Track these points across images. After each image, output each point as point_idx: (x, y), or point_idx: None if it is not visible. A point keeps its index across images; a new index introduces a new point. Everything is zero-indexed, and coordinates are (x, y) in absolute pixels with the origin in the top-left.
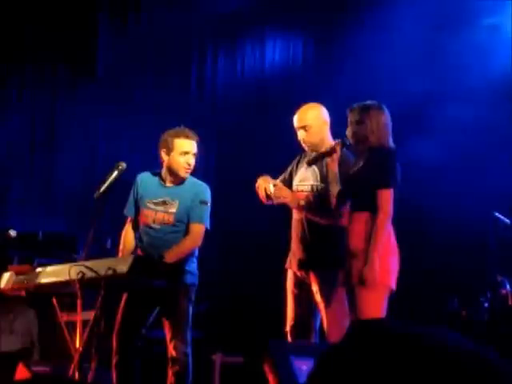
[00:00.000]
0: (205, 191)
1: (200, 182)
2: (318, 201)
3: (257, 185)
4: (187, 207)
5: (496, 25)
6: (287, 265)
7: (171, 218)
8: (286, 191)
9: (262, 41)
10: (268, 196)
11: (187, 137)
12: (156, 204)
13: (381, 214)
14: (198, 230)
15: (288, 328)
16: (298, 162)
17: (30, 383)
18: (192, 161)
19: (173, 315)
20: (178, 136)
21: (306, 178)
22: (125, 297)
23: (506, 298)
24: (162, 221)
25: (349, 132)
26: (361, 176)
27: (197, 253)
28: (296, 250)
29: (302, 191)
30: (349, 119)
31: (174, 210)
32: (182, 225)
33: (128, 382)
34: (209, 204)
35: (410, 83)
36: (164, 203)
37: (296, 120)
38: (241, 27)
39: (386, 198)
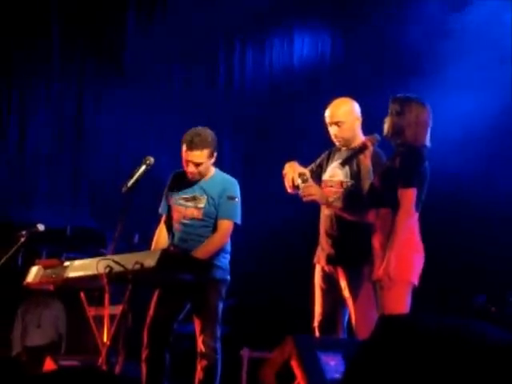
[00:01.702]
0: (233, 186)
1: (228, 177)
2: (346, 197)
3: (284, 172)
4: (215, 202)
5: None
6: (315, 260)
7: (200, 213)
8: (314, 188)
9: (291, 35)
10: (294, 186)
11: (189, 148)
12: (186, 200)
13: (401, 212)
14: (226, 226)
15: (316, 323)
16: (329, 157)
17: (57, 375)
18: (192, 169)
19: (202, 310)
20: (184, 142)
21: (335, 174)
22: (157, 291)
23: None
24: (192, 216)
25: (387, 122)
26: (388, 173)
27: (229, 248)
28: (324, 245)
29: (331, 187)
30: (389, 109)
31: (202, 204)
32: (210, 220)
33: (157, 376)
34: (237, 199)
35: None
36: (194, 199)
37: (328, 115)
38: (269, 22)
39: (408, 197)
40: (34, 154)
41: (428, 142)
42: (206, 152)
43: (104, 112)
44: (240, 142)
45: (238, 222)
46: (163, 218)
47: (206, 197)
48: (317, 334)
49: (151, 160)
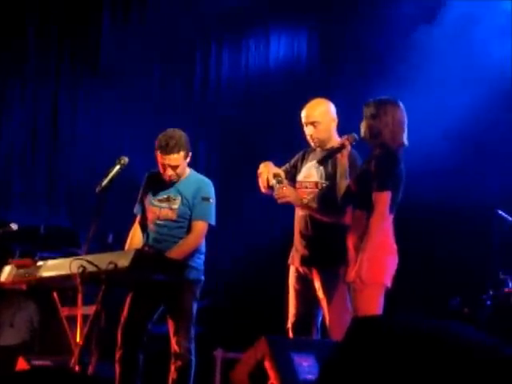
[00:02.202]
0: (207, 187)
1: (202, 178)
2: (321, 198)
3: (259, 171)
4: (189, 203)
5: None
6: (290, 261)
7: (174, 214)
8: (288, 190)
9: (267, 36)
10: (269, 186)
11: (164, 152)
12: (160, 201)
13: (375, 215)
14: (201, 227)
15: (289, 324)
16: (303, 157)
17: (30, 375)
18: (170, 172)
19: (176, 311)
20: (158, 146)
21: (310, 175)
22: (131, 292)
23: (508, 297)
24: (166, 217)
25: (363, 126)
26: (364, 176)
27: (204, 248)
28: (299, 246)
29: (306, 188)
30: (364, 113)
31: (176, 206)
32: (185, 221)
33: (131, 377)
34: (212, 200)
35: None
36: (168, 200)
37: (304, 115)
38: (245, 22)
39: (382, 200)
40: (9, 154)
41: (405, 140)
42: (182, 154)
43: (79, 112)
44: (216, 143)
45: (213, 222)
46: (138, 219)
47: (180, 198)
48: (290, 335)
49: (125, 160)
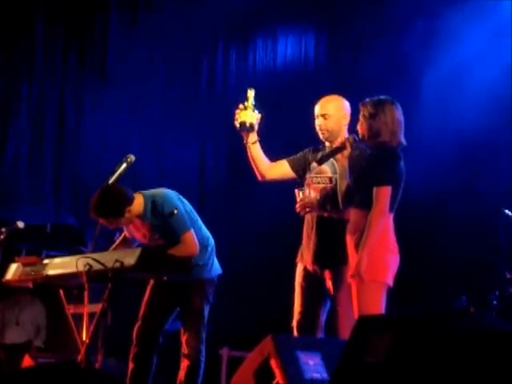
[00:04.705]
0: (163, 204)
1: (154, 196)
2: (335, 193)
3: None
4: (161, 224)
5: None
6: (298, 259)
7: (162, 241)
8: (309, 199)
9: (274, 36)
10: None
11: (100, 218)
12: (149, 241)
13: (374, 211)
14: (187, 239)
15: (294, 323)
16: (313, 153)
17: (37, 371)
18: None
19: (186, 310)
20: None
21: (323, 171)
22: (147, 293)
23: None
24: (159, 243)
25: (361, 126)
26: (365, 172)
27: (212, 243)
28: (308, 245)
29: (319, 183)
30: (361, 113)
31: (157, 236)
32: (172, 237)
33: (143, 376)
34: (176, 210)
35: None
36: (151, 239)
37: (318, 107)
38: (252, 23)
39: (382, 195)
40: (16, 153)
41: (404, 140)
42: (115, 218)
43: (86, 111)
44: (223, 142)
45: (191, 228)
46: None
47: (155, 229)
48: (295, 333)
49: (132, 158)
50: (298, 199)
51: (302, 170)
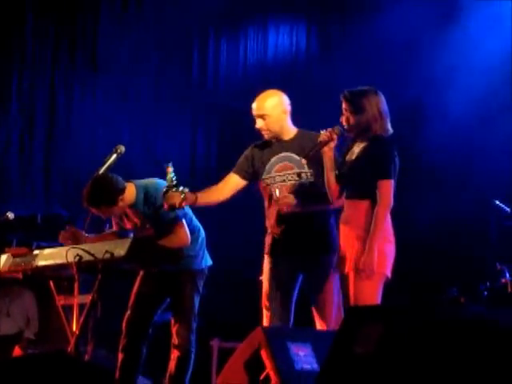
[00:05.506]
0: (156, 195)
1: (146, 189)
2: (307, 188)
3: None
4: (153, 217)
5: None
6: (267, 250)
7: (152, 231)
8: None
9: (265, 26)
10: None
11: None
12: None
13: (381, 204)
14: (178, 229)
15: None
16: (261, 151)
17: (28, 360)
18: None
19: (176, 301)
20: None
21: (287, 167)
22: (138, 281)
23: (505, 287)
24: (148, 233)
25: (347, 121)
26: (362, 164)
27: (203, 234)
28: (282, 235)
29: (284, 181)
30: (344, 107)
31: (148, 225)
32: (165, 229)
33: (132, 367)
34: None
35: (411, 71)
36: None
37: (254, 108)
38: (243, 11)
39: (387, 189)
40: (6, 142)
41: (391, 129)
42: (108, 207)
43: (77, 100)
44: (214, 130)
45: (182, 218)
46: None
47: (146, 219)
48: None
49: (122, 148)
50: (275, 197)
51: (252, 173)
